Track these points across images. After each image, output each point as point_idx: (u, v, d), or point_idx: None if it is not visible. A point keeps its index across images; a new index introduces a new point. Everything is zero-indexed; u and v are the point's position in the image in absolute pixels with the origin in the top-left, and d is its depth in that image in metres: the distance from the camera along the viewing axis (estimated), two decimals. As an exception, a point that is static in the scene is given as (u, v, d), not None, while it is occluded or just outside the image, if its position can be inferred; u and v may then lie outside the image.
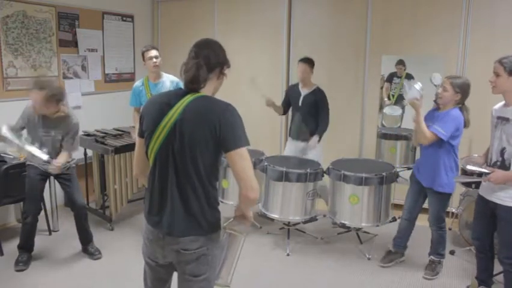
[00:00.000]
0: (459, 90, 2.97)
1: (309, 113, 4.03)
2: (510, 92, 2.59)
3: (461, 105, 3.04)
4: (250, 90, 3.98)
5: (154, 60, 3.69)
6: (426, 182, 3.15)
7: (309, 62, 4.01)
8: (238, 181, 1.66)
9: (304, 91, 4.05)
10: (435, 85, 3.03)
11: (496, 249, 2.85)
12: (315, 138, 3.95)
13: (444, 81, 3.02)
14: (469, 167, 2.77)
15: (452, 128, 2.94)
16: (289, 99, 4.21)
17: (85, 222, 3.53)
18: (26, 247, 3.40)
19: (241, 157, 1.63)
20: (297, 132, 4.14)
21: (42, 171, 3.33)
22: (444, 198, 3.12)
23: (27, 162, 3.34)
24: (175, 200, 1.71)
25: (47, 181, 3.54)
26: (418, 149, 3.32)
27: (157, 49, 3.78)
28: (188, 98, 1.68)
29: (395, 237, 3.47)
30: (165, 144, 1.69)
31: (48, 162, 3.14)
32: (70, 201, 3.50)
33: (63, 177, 3.42)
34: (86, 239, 3.57)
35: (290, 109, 4.29)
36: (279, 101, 5.06)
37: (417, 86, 2.97)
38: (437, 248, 3.26)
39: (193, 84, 1.72)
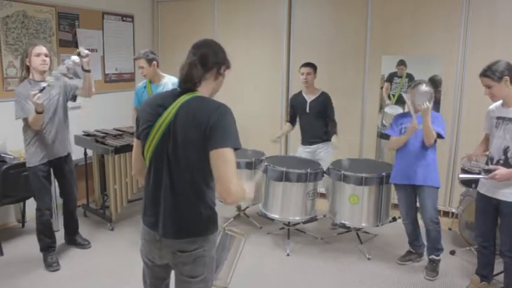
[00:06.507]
0: None
1: (316, 118, 4.00)
2: (509, 96, 2.65)
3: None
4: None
5: (141, 70, 3.69)
6: (419, 181, 3.20)
7: (311, 64, 3.98)
8: (216, 183, 1.61)
9: (309, 97, 4.01)
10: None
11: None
12: (335, 138, 3.90)
13: (410, 91, 3.18)
14: (473, 163, 2.78)
15: (444, 126, 3.17)
16: (295, 109, 4.17)
17: (75, 212, 3.67)
18: (52, 245, 3.39)
19: (224, 158, 1.57)
20: (307, 138, 4.13)
21: (47, 168, 3.30)
22: (437, 191, 3.24)
23: (29, 165, 3.27)
24: (169, 201, 1.70)
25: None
26: (389, 155, 3.44)
27: (145, 58, 3.62)
28: (183, 99, 1.67)
29: (409, 241, 3.49)
30: (160, 146, 1.69)
31: (81, 56, 3.11)
32: (67, 192, 3.52)
33: (66, 170, 3.44)
34: (75, 229, 3.69)
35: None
36: (278, 97, 5.07)
37: (425, 87, 3.05)
38: (436, 244, 3.27)
39: (186, 83, 1.70)
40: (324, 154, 4.04)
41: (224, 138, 1.59)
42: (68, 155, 3.45)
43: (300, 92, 4.11)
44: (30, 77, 3.19)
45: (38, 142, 3.22)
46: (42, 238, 3.35)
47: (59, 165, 3.40)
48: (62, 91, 3.32)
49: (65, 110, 3.37)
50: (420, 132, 3.14)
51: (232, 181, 1.57)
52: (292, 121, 4.24)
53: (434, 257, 3.29)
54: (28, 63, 3.13)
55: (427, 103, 2.98)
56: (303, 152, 4.16)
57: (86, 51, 3.17)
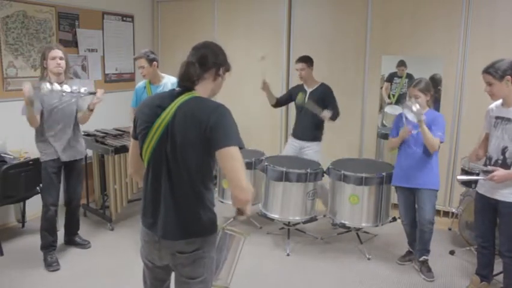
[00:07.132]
0: (427, 92, 3.18)
1: (313, 112, 3.98)
2: (509, 96, 2.64)
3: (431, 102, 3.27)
4: (259, 65, 4.03)
5: (141, 70, 3.69)
6: (418, 184, 3.20)
7: (304, 59, 4.00)
8: (228, 181, 1.62)
9: (309, 89, 4.03)
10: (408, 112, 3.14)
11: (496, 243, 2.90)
12: (328, 112, 3.83)
13: (412, 90, 3.19)
14: (472, 165, 2.80)
15: (444, 128, 3.16)
16: (290, 97, 4.17)
17: (77, 211, 3.70)
18: (53, 244, 3.41)
19: (231, 157, 1.58)
20: (298, 131, 4.13)
21: (58, 165, 3.35)
22: (436, 194, 3.24)
23: (43, 159, 3.32)
24: (168, 202, 1.69)
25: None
26: (389, 155, 3.50)
27: (146, 58, 3.59)
28: (181, 100, 1.67)
29: (408, 241, 3.49)
30: (158, 147, 1.68)
31: (90, 92, 3.28)
32: (72, 189, 3.54)
33: (76, 169, 3.49)
34: (76, 229, 3.71)
35: (290, 108, 4.26)
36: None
37: (415, 107, 3.00)
38: (427, 245, 3.27)
39: (184, 81, 1.71)
40: (311, 153, 4.02)
41: (227, 137, 1.59)
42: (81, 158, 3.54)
43: (302, 84, 4.13)
44: (48, 78, 3.28)
45: (50, 143, 3.29)
46: (45, 235, 3.36)
47: (70, 164, 3.45)
48: (76, 103, 3.41)
49: (77, 120, 3.46)
50: (420, 136, 3.12)
51: (242, 177, 1.58)
52: (279, 100, 4.24)
53: (425, 258, 3.30)
54: (45, 66, 3.26)
55: (420, 117, 2.98)
56: (291, 143, 4.19)
57: (100, 96, 3.35)
